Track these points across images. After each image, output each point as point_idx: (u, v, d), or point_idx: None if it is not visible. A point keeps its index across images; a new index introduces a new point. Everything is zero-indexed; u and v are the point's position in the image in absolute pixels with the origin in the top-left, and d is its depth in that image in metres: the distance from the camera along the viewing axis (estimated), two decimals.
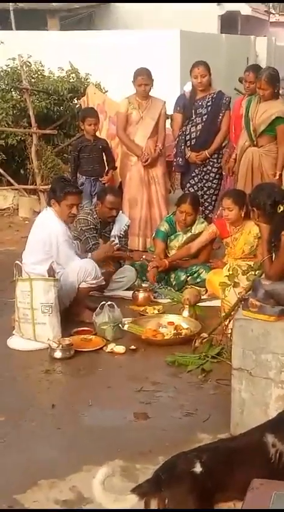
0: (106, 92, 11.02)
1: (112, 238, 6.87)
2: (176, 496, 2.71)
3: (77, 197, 6.10)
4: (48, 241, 5.89)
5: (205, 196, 7.82)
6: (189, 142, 7.83)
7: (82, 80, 11.56)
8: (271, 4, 31.47)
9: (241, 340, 4.18)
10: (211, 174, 7.85)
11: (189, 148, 7.83)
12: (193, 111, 7.81)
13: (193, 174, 7.89)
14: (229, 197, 6.53)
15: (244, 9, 24.57)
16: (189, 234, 7.05)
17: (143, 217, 7.97)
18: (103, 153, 8.17)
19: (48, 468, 3.90)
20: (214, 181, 7.87)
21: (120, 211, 7.16)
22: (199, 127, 7.79)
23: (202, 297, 6.46)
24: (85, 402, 4.68)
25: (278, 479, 2.77)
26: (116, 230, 6.96)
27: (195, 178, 7.88)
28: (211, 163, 7.85)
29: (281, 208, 4.43)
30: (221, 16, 23.00)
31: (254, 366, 4.14)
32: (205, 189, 7.86)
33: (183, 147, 7.85)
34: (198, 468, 2.78)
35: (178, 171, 8.27)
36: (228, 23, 23.99)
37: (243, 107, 7.55)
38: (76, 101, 11.17)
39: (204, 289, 6.62)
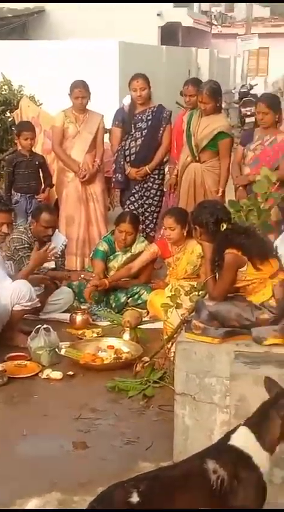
0: (41, 104, 11.03)
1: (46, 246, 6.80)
2: None
3: (7, 215, 6.10)
4: None
5: (146, 214, 7.87)
6: (128, 157, 7.87)
7: (16, 92, 11.55)
8: (212, 15, 32.07)
9: (184, 364, 4.22)
10: (151, 191, 7.90)
11: (128, 164, 7.87)
12: (132, 125, 7.86)
13: (133, 191, 7.94)
14: (171, 216, 6.60)
15: (186, 20, 24.95)
16: (128, 254, 7.09)
17: (81, 236, 7.98)
18: (40, 169, 8.17)
19: None
20: (155, 198, 7.93)
21: (57, 230, 7.16)
22: (138, 142, 7.85)
23: (144, 319, 6.50)
24: (19, 432, 4.65)
25: (219, 506, 2.81)
26: None
27: (136, 195, 7.92)
28: (151, 179, 7.91)
29: (224, 226, 4.51)
30: (161, 27, 23.29)
31: (198, 391, 4.19)
32: (145, 206, 7.91)
33: (122, 162, 7.89)
34: (134, 498, 2.79)
35: (118, 187, 8.31)
36: (169, 34, 24.30)
37: (184, 121, 7.64)
38: (9, 114, 11.15)
39: (145, 310, 6.66)
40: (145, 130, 7.83)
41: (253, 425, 3.08)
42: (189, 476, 2.96)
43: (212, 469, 2.92)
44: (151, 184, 7.90)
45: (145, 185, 7.90)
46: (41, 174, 8.20)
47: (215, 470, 2.92)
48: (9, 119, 10.99)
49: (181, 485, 2.93)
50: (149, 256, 6.92)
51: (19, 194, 8.03)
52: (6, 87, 11.59)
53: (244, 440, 2.99)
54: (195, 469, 2.97)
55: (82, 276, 7.29)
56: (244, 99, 20.63)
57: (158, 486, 2.91)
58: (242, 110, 19.79)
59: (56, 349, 5.73)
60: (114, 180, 8.13)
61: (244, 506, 2.83)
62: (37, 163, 8.11)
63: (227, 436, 3.13)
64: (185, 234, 6.49)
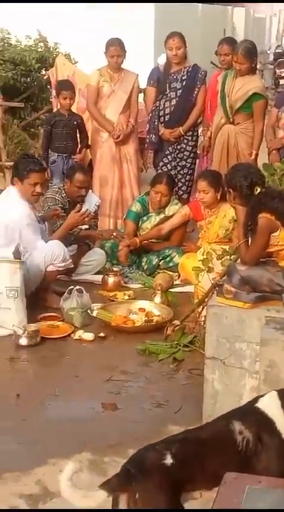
0: (76, 63, 10.98)
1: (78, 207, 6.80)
2: (147, 489, 2.74)
3: (41, 175, 6.08)
4: (11, 225, 5.84)
5: (179, 176, 7.81)
6: (162, 118, 7.81)
7: (51, 49, 11.51)
8: None
9: (214, 328, 4.21)
10: (185, 153, 7.84)
11: (162, 124, 7.81)
12: (167, 85, 7.78)
13: (166, 153, 7.88)
14: (204, 179, 6.53)
15: None
16: (161, 216, 7.06)
17: (114, 198, 7.95)
18: (78, 130, 8.12)
19: (12, 461, 3.91)
20: (188, 160, 7.86)
21: (90, 191, 7.14)
22: (173, 102, 7.77)
23: (175, 282, 6.48)
24: (51, 392, 4.68)
25: (246, 467, 2.82)
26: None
27: (169, 157, 7.87)
28: (185, 140, 7.84)
29: (258, 190, 4.47)
30: None
31: (228, 355, 4.17)
32: (179, 168, 7.85)
33: (156, 123, 7.83)
34: (168, 460, 2.81)
35: (151, 148, 8.26)
36: None
37: (219, 82, 7.54)
38: (44, 72, 11.10)
39: (177, 274, 6.65)
40: (180, 91, 7.75)
41: (281, 392, 3.06)
42: (217, 437, 2.98)
43: (238, 430, 2.94)
44: (184, 146, 7.84)
45: (178, 147, 7.84)
46: (78, 135, 8.15)
47: (241, 431, 2.93)
48: (45, 77, 10.94)
49: (209, 447, 2.94)
50: (181, 218, 6.88)
51: (56, 154, 7.99)
52: (42, 44, 11.54)
53: (270, 405, 2.98)
54: (222, 429, 2.99)
55: (114, 234, 7.28)
56: (278, 60, 20.33)
57: (189, 448, 2.93)
58: (277, 71, 19.53)
59: (88, 311, 5.76)
60: (147, 140, 8.08)
61: (267, 471, 2.83)
62: (75, 123, 8.06)
63: (256, 399, 3.13)
64: (218, 197, 6.43)
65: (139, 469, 2.83)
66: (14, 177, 5.98)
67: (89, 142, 8.31)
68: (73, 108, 8.72)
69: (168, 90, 7.78)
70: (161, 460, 2.82)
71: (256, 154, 7.29)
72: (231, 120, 7.31)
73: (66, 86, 8.11)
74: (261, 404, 3.02)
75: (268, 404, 2.99)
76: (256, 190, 4.48)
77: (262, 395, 3.17)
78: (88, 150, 8.34)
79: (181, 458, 2.85)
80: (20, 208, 5.89)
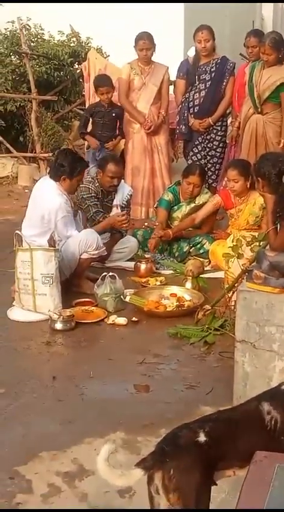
0: (108, 56, 10.98)
1: (114, 209, 6.87)
2: (181, 466, 2.76)
3: (84, 172, 6.24)
4: (47, 217, 5.90)
5: (209, 165, 7.81)
6: (192, 109, 7.81)
7: (83, 44, 11.54)
8: None
9: (244, 313, 4.20)
10: (214, 143, 7.83)
11: (192, 115, 7.80)
12: (196, 77, 7.78)
13: (196, 143, 7.88)
14: (234, 168, 6.52)
15: None
16: (192, 205, 7.06)
17: (146, 187, 7.98)
18: (117, 121, 8.16)
19: (49, 440, 3.94)
20: (217, 150, 7.86)
21: (122, 181, 7.15)
22: (202, 93, 7.77)
23: (205, 269, 6.51)
24: (86, 374, 4.72)
25: (275, 445, 2.83)
26: (118, 200, 6.96)
27: (199, 147, 7.86)
28: (214, 131, 7.84)
29: None
30: None
31: (258, 339, 4.17)
32: (208, 157, 7.85)
33: (186, 114, 7.83)
34: (202, 438, 2.83)
35: (181, 139, 8.26)
36: None
37: (246, 73, 7.51)
38: (77, 66, 11.13)
39: (207, 260, 6.66)
40: (209, 82, 7.74)
41: None
42: (247, 417, 2.99)
43: (266, 410, 2.94)
44: (214, 136, 7.83)
45: (208, 137, 7.83)
46: (117, 125, 8.18)
47: (269, 411, 2.94)
48: (77, 71, 10.96)
49: (241, 425, 2.96)
50: (212, 207, 6.87)
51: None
52: (74, 39, 11.58)
53: None
54: (252, 410, 3.00)
55: (146, 224, 7.31)
56: None
57: (221, 426, 2.95)
58: None
59: (121, 296, 5.78)
60: (177, 131, 8.09)
61: None
62: (114, 114, 8.08)
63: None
64: (248, 185, 6.42)
65: (173, 446, 2.85)
66: (62, 176, 5.95)
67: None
68: None
69: (197, 82, 7.77)
70: (195, 438, 2.83)
71: None
72: (259, 110, 7.28)
73: (104, 82, 8.13)
74: None
75: None
76: None
77: None
78: (121, 141, 8.37)
79: (214, 437, 2.86)
80: (57, 201, 5.91)
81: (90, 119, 8.13)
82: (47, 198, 5.95)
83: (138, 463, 2.84)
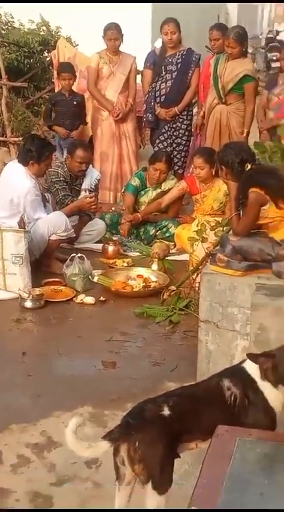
0: (77, 45, 10.88)
1: (82, 193, 6.85)
2: (146, 438, 2.78)
3: (52, 155, 6.24)
4: (16, 200, 5.90)
5: (175, 153, 7.81)
6: (158, 98, 7.79)
7: (53, 33, 11.41)
8: None
9: (208, 294, 4.24)
10: (180, 131, 7.83)
11: (158, 104, 7.79)
12: (163, 67, 7.76)
13: (162, 131, 7.87)
14: (200, 156, 6.54)
15: None
16: (158, 190, 7.07)
17: (114, 172, 7.96)
18: (79, 108, 8.12)
19: (19, 413, 3.96)
20: (183, 138, 7.86)
21: (91, 166, 7.13)
22: (168, 83, 7.75)
23: (171, 251, 6.52)
24: (55, 351, 4.73)
25: (236, 421, 2.87)
26: (86, 184, 6.93)
27: (165, 135, 7.86)
28: (180, 119, 7.83)
29: (249, 167, 4.48)
30: None
31: (221, 319, 4.21)
32: (174, 145, 7.85)
33: (152, 103, 7.81)
34: (166, 411, 2.86)
35: (148, 127, 8.24)
36: None
37: (211, 65, 7.53)
38: (46, 54, 11.03)
39: (173, 243, 6.67)
40: (175, 73, 7.73)
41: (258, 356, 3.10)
42: (209, 392, 3.03)
43: (227, 386, 2.99)
44: (179, 125, 7.83)
45: (174, 125, 7.83)
46: (80, 113, 8.14)
47: (229, 387, 2.99)
48: (47, 59, 10.87)
49: (203, 400, 3.00)
50: (178, 192, 6.89)
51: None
52: (44, 28, 11.45)
53: (252, 365, 3.02)
54: (213, 386, 3.05)
55: (113, 208, 7.31)
56: (270, 44, 20.18)
57: (184, 401, 2.98)
58: (268, 54, 19.38)
59: (89, 276, 5.78)
60: (144, 119, 8.07)
61: (254, 425, 2.87)
62: (75, 102, 8.05)
63: (244, 359, 3.18)
64: (213, 173, 6.44)
65: (138, 420, 2.87)
66: (30, 160, 5.94)
67: (89, 121, 8.32)
68: (74, 89, 8.71)
69: (163, 73, 7.75)
70: (159, 411, 2.86)
71: (248, 133, 7.30)
72: (223, 100, 7.30)
73: (66, 68, 8.12)
74: (246, 365, 3.07)
75: (250, 365, 3.03)
76: (247, 166, 4.49)
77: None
78: (88, 127, 8.34)
79: (178, 411, 2.89)
80: (26, 185, 5.89)
81: (52, 109, 8.06)
82: (16, 182, 5.92)
83: (104, 436, 2.87)
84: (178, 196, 6.92)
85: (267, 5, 28.41)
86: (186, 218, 6.81)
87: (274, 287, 4.07)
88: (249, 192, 4.32)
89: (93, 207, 6.65)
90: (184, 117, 7.83)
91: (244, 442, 2.63)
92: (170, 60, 7.74)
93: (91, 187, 6.94)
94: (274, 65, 17.91)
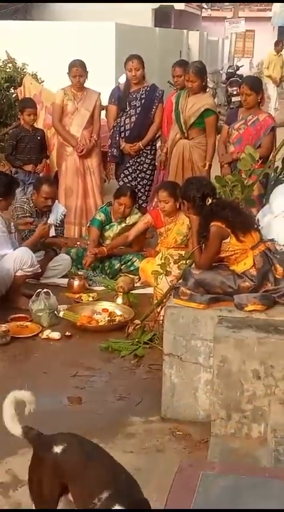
0: (43, 82, 10.94)
1: (43, 222, 6.84)
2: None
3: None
4: None
5: (139, 187, 7.85)
6: (123, 133, 7.84)
7: (19, 70, 11.48)
8: None
9: (172, 327, 4.26)
10: (144, 165, 7.88)
11: (123, 139, 7.85)
12: (127, 103, 7.82)
13: (127, 165, 7.92)
14: (165, 190, 6.56)
15: (178, 4, 24.62)
16: (123, 225, 7.08)
17: (79, 207, 7.97)
18: (42, 143, 8.14)
19: None
20: (147, 172, 7.91)
21: (56, 201, 7.14)
22: (133, 119, 7.81)
23: (136, 285, 6.52)
24: (21, 387, 4.60)
25: None
26: (52, 219, 6.93)
27: (129, 169, 7.91)
28: (144, 154, 7.88)
29: (210, 201, 4.52)
30: (155, 10, 22.99)
31: (185, 352, 4.23)
32: (138, 179, 7.90)
33: (117, 138, 7.86)
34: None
35: (113, 161, 8.27)
36: (162, 17, 24.00)
37: (173, 101, 7.61)
38: (12, 91, 11.07)
39: (137, 277, 6.67)
40: (139, 108, 7.79)
41: None
42: None
43: None
44: (144, 159, 7.88)
45: (138, 159, 7.88)
46: (42, 148, 8.15)
47: None
48: (13, 95, 10.91)
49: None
50: (144, 225, 6.89)
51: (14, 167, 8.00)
52: (10, 65, 11.52)
53: None
54: None
55: (78, 242, 7.31)
56: (230, 79, 20.48)
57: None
58: (229, 89, 19.65)
59: (55, 312, 5.76)
60: (109, 154, 8.10)
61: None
62: (39, 137, 8.07)
63: None
64: (177, 206, 6.47)
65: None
66: None
67: (54, 156, 8.33)
68: (40, 124, 8.74)
69: (128, 108, 7.81)
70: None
71: (210, 166, 7.36)
72: (186, 135, 7.37)
73: (29, 104, 8.12)
74: None
75: None
76: (208, 201, 4.53)
77: None
78: (54, 162, 8.35)
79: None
80: None
81: (16, 145, 8.01)
82: None
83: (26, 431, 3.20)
84: (144, 229, 6.94)
85: (227, 40, 28.86)
86: (150, 252, 6.82)
87: (235, 319, 4.11)
88: (210, 226, 4.37)
89: (47, 232, 6.59)
90: (148, 152, 7.89)
91: (207, 476, 2.63)
92: (134, 95, 7.80)
93: (57, 223, 6.94)
94: (234, 99, 18.18)
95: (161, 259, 5.52)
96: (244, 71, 23.26)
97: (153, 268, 5.66)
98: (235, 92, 18.25)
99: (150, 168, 7.94)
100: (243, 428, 3.89)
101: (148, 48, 16.03)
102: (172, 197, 6.45)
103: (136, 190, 7.64)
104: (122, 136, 7.84)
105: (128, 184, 7.67)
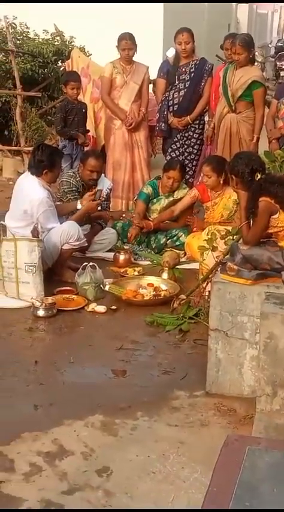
0: (91, 55, 10.94)
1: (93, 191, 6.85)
2: None
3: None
4: (30, 211, 5.89)
5: (186, 161, 7.82)
6: (171, 107, 7.81)
7: (67, 43, 11.51)
8: None
9: (218, 302, 4.24)
10: (192, 140, 7.85)
11: (171, 113, 7.81)
12: (176, 77, 7.78)
13: (175, 139, 7.88)
14: (209, 164, 6.54)
15: None
16: (170, 199, 7.07)
17: (126, 181, 7.97)
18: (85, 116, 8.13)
19: (31, 422, 3.95)
20: (195, 147, 7.87)
21: (103, 175, 7.14)
22: (181, 93, 7.77)
23: (181, 260, 6.53)
24: (67, 359, 4.72)
25: None
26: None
27: (177, 144, 7.87)
28: (192, 128, 7.85)
29: (259, 176, 4.49)
30: None
31: (231, 327, 4.21)
32: (186, 154, 7.87)
33: (165, 112, 7.83)
34: None
35: (161, 135, 8.24)
36: None
37: (220, 75, 7.53)
38: (60, 64, 11.10)
39: (183, 252, 6.67)
40: (188, 82, 7.75)
41: None
42: None
43: None
44: (192, 134, 7.84)
45: (186, 134, 7.84)
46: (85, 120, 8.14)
47: None
48: (61, 68, 10.92)
49: None
50: (190, 200, 6.88)
51: (66, 140, 7.98)
52: (58, 38, 11.53)
53: None
54: None
55: (123, 215, 7.31)
56: (279, 53, 20.20)
57: None
58: (278, 63, 19.41)
59: (101, 285, 5.78)
60: (157, 128, 8.08)
61: None
62: (84, 110, 8.06)
63: None
64: (222, 181, 6.43)
65: None
66: (45, 169, 5.97)
67: (102, 130, 8.33)
68: (87, 98, 8.78)
69: (177, 82, 7.77)
70: None
71: (258, 138, 7.29)
72: (233, 108, 7.30)
73: (73, 77, 8.08)
74: None
75: None
76: (257, 176, 4.50)
77: None
78: (101, 135, 8.37)
79: None
80: (39, 196, 5.89)
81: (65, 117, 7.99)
82: (29, 193, 5.93)
83: None
84: (190, 204, 6.92)
85: (276, 14, 28.45)
86: (195, 222, 6.77)
87: (283, 296, 4.06)
88: (259, 201, 4.34)
89: (94, 200, 6.48)
90: (196, 126, 7.85)
91: (253, 451, 2.63)
92: (183, 69, 7.75)
93: (103, 197, 6.95)
94: (283, 73, 17.93)
95: (207, 235, 5.50)
96: None
97: (199, 243, 5.64)
98: None
99: (198, 143, 7.91)
100: None
101: (197, 21, 15.86)
102: (215, 172, 6.41)
103: (184, 164, 7.61)
104: (171, 110, 7.81)
105: (176, 159, 7.63)
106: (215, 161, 6.53)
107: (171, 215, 6.97)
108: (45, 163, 5.97)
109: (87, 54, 10.90)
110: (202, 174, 6.99)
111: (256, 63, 7.77)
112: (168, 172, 6.99)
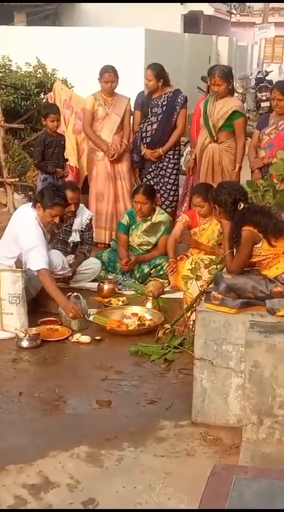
0: (73, 87, 11.00)
1: (73, 233, 6.85)
2: None
3: (62, 209, 6.05)
4: (21, 244, 5.78)
5: (162, 191, 7.82)
6: (144, 139, 7.83)
7: (49, 75, 11.55)
8: (232, 4, 31.69)
9: (203, 331, 4.25)
10: (167, 170, 7.83)
11: (144, 145, 7.85)
12: (149, 109, 7.82)
13: (149, 170, 7.90)
14: (199, 195, 6.60)
15: (207, 9, 24.66)
16: (148, 223, 7.07)
17: (109, 211, 7.98)
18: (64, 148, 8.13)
19: (16, 454, 3.92)
20: (171, 177, 7.85)
21: (82, 205, 7.10)
22: (154, 126, 7.78)
23: (165, 289, 6.53)
24: (51, 390, 4.70)
25: None
26: (77, 224, 6.88)
27: (152, 174, 7.89)
28: (167, 159, 7.83)
29: (242, 206, 4.52)
30: (184, 16, 23.05)
31: (216, 356, 4.21)
32: (161, 184, 7.85)
33: (138, 143, 7.86)
34: None
35: (135, 166, 8.25)
36: (191, 23, 24.06)
37: (201, 107, 7.59)
38: (43, 96, 11.14)
39: (167, 281, 6.67)
40: (161, 116, 7.76)
41: None
42: None
43: None
44: (166, 164, 7.84)
45: (160, 165, 7.85)
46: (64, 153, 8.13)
47: None
48: (43, 101, 10.97)
49: None
50: (182, 226, 6.84)
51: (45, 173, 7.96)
52: (41, 70, 11.58)
53: None
54: None
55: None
56: (260, 84, 20.44)
57: None
58: (258, 94, 19.61)
59: (85, 316, 5.77)
60: (131, 159, 8.09)
61: None
62: (62, 142, 8.04)
63: None
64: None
65: None
66: (38, 203, 5.86)
67: (85, 162, 8.34)
68: (70, 130, 8.79)
69: (150, 115, 7.81)
70: None
71: (240, 168, 7.34)
72: (215, 138, 7.36)
73: (53, 110, 8.01)
74: None
75: None
76: (240, 206, 4.52)
77: None
78: (84, 167, 8.38)
79: None
80: (34, 231, 5.81)
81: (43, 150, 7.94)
82: (25, 226, 5.84)
83: None
84: (182, 230, 6.90)
85: (256, 46, 28.86)
86: (174, 264, 6.74)
87: (267, 324, 4.08)
88: (242, 231, 4.37)
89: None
90: (171, 157, 7.82)
91: (240, 480, 2.62)
92: (156, 102, 7.78)
93: (82, 228, 6.93)
94: (263, 104, 18.15)
95: (191, 264, 5.52)
96: (274, 77, 23.22)
97: (183, 272, 5.66)
98: (264, 98, 18.24)
99: (174, 172, 7.90)
100: (275, 433, 3.87)
101: (177, 54, 16.08)
102: (207, 201, 6.42)
103: (159, 194, 7.63)
104: (144, 142, 7.84)
105: (143, 184, 7.63)
106: (204, 190, 6.52)
107: (175, 243, 6.88)
108: (42, 197, 5.87)
109: (70, 87, 10.95)
110: (185, 204, 7.02)
111: (236, 94, 7.82)
112: (134, 198, 7.10)
